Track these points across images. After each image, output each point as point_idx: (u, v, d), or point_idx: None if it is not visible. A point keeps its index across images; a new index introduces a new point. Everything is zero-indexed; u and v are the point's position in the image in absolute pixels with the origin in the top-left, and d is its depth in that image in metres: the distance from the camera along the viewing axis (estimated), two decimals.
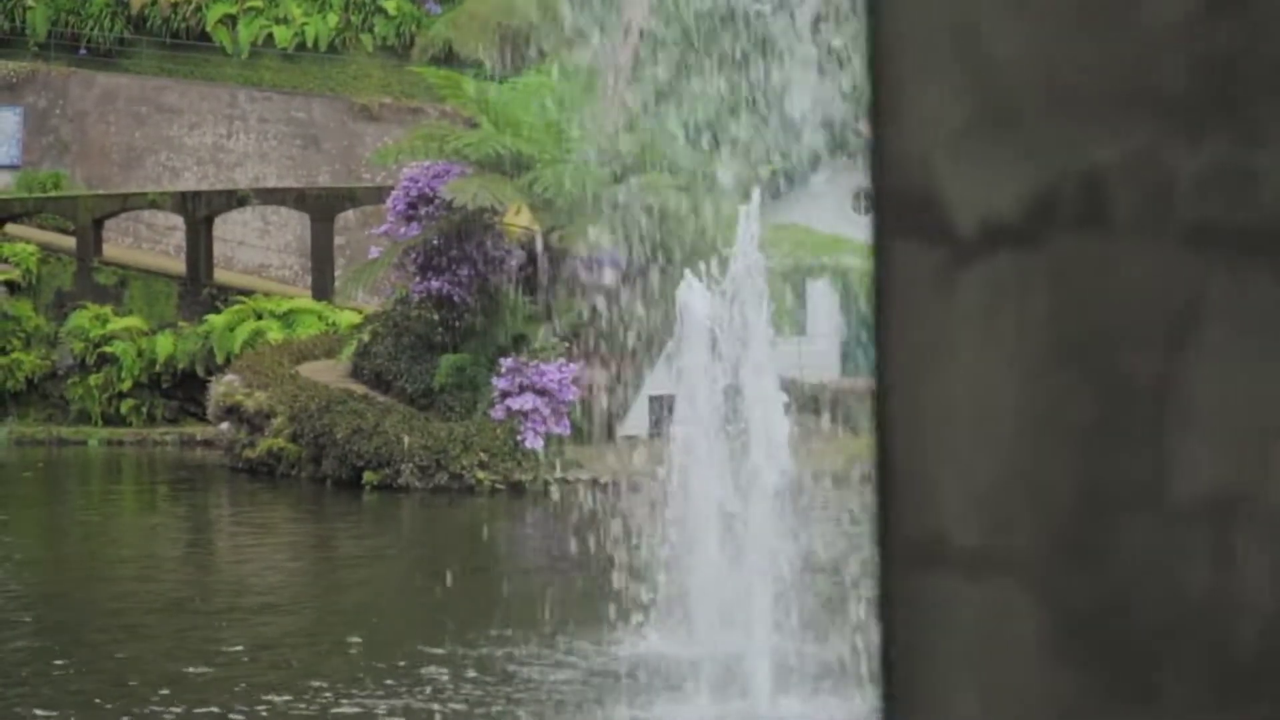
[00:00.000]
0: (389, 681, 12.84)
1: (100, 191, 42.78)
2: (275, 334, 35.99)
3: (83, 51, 46.65)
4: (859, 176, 38.18)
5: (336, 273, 39.87)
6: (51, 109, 46.05)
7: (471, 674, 12.89)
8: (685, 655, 12.23)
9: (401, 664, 13.43)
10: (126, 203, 41.14)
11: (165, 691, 12.95)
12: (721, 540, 11.75)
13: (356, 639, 14.86)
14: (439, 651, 13.75)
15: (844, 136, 37.67)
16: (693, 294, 13.06)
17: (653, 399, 29.13)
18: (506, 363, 26.89)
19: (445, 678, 12.81)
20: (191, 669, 13.74)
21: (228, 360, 36.10)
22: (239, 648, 14.71)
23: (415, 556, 21.31)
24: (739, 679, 10.64)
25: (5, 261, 39.63)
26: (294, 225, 43.27)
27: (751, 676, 10.59)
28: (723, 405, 11.78)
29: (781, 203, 35.88)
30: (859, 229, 35.43)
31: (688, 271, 13.56)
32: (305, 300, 38.28)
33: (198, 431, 36.40)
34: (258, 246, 44.03)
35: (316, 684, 12.89)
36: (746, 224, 11.38)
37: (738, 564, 10.97)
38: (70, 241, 40.82)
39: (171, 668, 13.85)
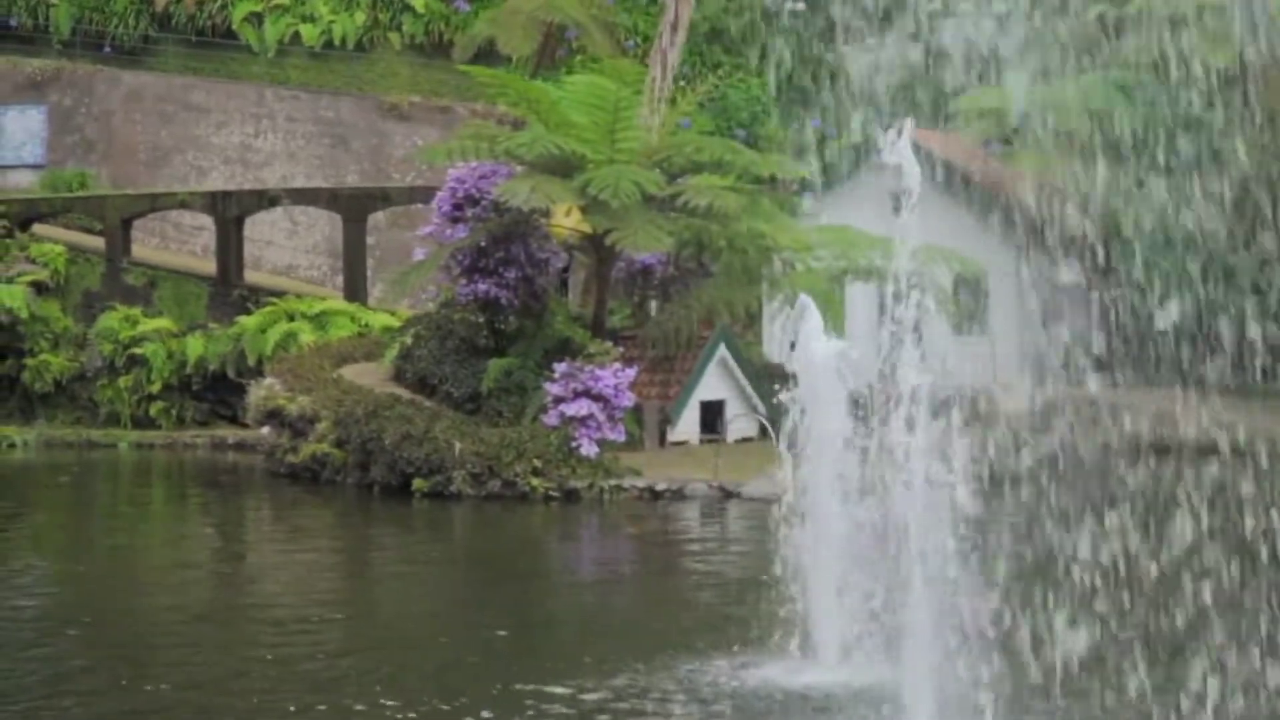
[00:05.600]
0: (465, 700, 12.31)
1: (128, 191, 42.27)
2: (307, 336, 35.50)
3: (107, 49, 46.15)
4: (895, 177, 37.67)
5: (368, 274, 39.40)
6: (76, 107, 45.55)
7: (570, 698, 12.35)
8: (820, 683, 11.68)
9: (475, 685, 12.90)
10: (156, 202, 40.64)
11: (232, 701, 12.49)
12: (865, 557, 11.22)
13: (454, 650, 14.38)
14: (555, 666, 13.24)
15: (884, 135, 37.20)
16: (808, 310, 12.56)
17: (704, 404, 28.68)
18: (560, 367, 26.36)
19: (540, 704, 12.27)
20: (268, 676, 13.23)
21: (259, 362, 35.62)
22: (321, 656, 14.19)
23: (489, 565, 20.75)
24: (896, 709, 10.11)
25: (33, 262, 39.11)
26: (322, 225, 42.80)
27: (910, 707, 10.05)
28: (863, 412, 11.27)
29: (820, 203, 35.46)
30: (897, 230, 35.04)
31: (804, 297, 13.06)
32: (338, 301, 37.79)
33: (229, 434, 35.94)
34: (286, 247, 43.55)
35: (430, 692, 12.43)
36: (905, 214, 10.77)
37: (888, 583, 10.43)
38: (96, 241, 40.31)
39: (245, 674, 13.36)
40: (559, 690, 12.45)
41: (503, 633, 15.30)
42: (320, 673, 13.59)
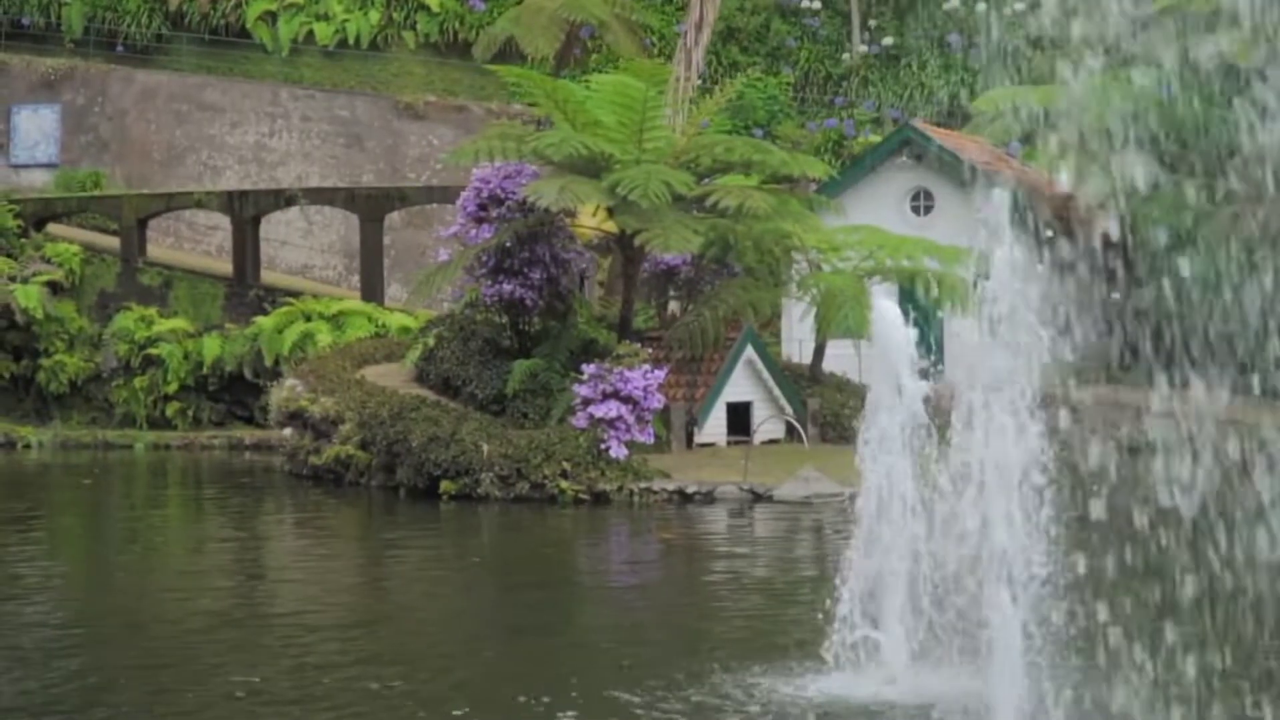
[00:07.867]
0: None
1: (143, 191, 42.03)
2: (324, 336, 35.29)
3: (120, 48, 45.92)
4: (916, 176, 37.40)
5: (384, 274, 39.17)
6: (90, 107, 45.29)
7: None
8: (900, 696, 11.37)
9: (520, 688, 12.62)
10: (172, 202, 40.42)
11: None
12: (935, 563, 10.93)
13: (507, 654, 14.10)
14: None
15: (903, 135, 36.92)
16: (886, 309, 12.27)
17: (731, 406, 28.40)
18: (589, 369, 26.08)
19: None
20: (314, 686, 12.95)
21: (276, 363, 35.41)
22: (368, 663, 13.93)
23: (524, 569, 20.45)
24: None
25: (48, 262, 38.89)
26: (337, 225, 42.58)
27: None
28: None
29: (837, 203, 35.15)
30: (917, 229, 34.68)
31: (882, 298, 12.78)
32: (355, 301, 37.59)
33: (246, 435, 35.71)
34: (301, 246, 43.31)
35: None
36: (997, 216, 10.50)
37: (961, 590, 10.14)
38: (111, 241, 40.11)
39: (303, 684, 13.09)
40: (605, 701, 12.14)
41: (544, 639, 15.03)
42: (358, 682, 13.24)
